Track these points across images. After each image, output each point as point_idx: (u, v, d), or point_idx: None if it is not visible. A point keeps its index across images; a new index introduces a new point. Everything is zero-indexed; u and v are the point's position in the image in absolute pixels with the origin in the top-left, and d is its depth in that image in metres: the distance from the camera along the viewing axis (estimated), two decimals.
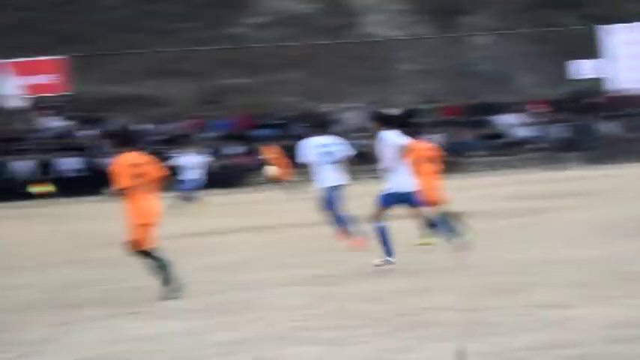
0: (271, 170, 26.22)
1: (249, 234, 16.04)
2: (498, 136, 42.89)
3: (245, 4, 53.18)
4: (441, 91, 46.17)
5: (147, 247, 8.96)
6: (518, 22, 51.07)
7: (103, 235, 16.99)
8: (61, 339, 7.34)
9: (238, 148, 40.21)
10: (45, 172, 37.23)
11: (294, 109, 43.11)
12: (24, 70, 33.69)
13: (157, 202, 9.15)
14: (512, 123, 43.35)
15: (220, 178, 33.52)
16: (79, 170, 37.75)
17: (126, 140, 9.42)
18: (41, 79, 34.05)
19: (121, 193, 8.93)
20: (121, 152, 9.13)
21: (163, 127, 41.18)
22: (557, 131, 42.50)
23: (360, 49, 49.53)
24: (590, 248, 10.80)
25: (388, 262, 10.07)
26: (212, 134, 40.87)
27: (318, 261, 11.33)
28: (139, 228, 8.92)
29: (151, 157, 9.43)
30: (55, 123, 40.49)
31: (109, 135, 39.59)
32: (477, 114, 43.78)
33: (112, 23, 47.34)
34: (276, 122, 42.03)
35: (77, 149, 38.70)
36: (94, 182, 34.15)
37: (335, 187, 12.47)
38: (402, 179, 10.29)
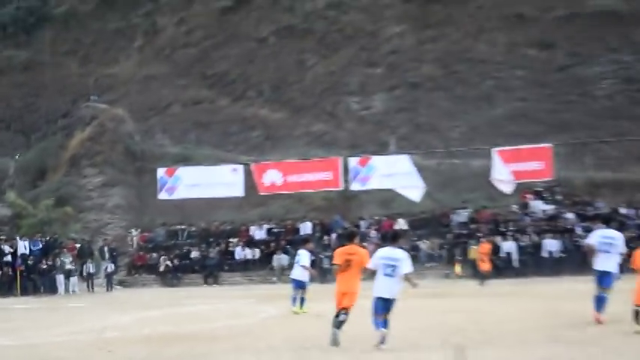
0: None
1: None
2: None
3: None
4: None
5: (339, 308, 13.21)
6: None
7: (576, 315, 17.13)
8: None
9: None
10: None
11: None
12: (513, 158, 35.87)
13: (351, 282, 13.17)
14: None
15: None
16: (561, 251, 39.24)
17: (349, 236, 14.11)
18: (529, 165, 35.98)
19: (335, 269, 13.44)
20: (345, 244, 13.69)
21: None
22: None
23: None
24: None
25: None
26: None
27: None
28: (338, 295, 13.37)
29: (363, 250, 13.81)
30: (541, 206, 42.58)
31: (592, 217, 40.50)
32: None
33: (602, 112, 48.34)
34: None
35: (561, 232, 40.27)
36: (573, 262, 35.51)
37: None
38: None
